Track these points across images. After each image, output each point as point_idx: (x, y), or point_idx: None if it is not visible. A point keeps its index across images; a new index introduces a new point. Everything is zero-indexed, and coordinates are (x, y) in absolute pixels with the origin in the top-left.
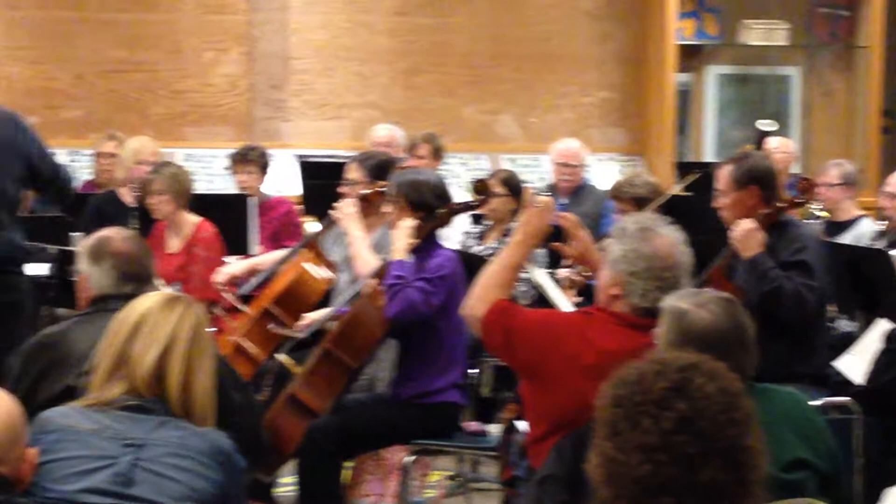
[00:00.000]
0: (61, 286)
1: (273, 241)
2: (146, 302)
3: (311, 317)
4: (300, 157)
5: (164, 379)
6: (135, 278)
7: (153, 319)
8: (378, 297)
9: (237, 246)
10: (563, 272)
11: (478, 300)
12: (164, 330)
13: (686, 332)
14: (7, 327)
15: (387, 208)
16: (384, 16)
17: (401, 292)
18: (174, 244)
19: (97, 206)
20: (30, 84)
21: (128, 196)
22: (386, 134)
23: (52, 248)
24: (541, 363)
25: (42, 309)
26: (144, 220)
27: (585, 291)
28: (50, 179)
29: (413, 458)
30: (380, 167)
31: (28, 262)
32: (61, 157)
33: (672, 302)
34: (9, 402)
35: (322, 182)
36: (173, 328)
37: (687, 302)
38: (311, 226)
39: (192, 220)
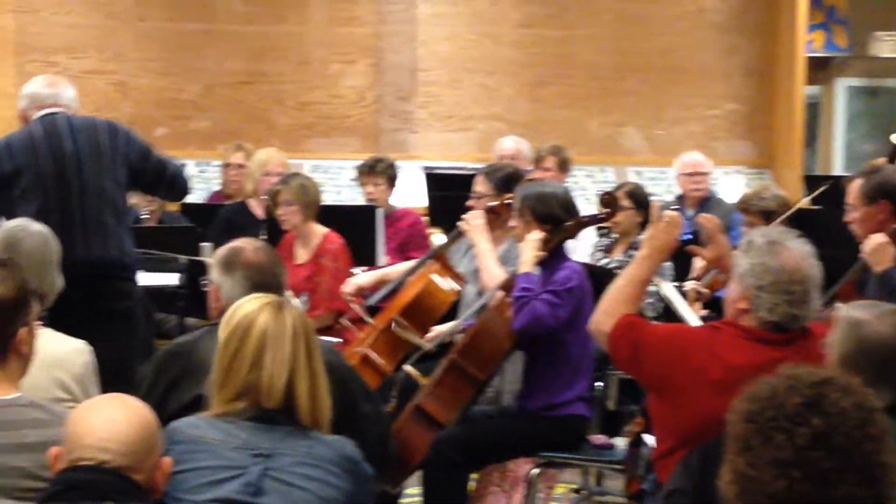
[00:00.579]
0: (191, 296)
1: (400, 253)
2: (258, 316)
3: (438, 329)
4: (426, 168)
5: (294, 390)
6: (266, 288)
7: (244, 329)
8: (505, 310)
9: (364, 257)
10: (689, 285)
11: (605, 315)
12: (284, 346)
13: (861, 343)
14: (119, 335)
15: (514, 221)
16: (510, 28)
17: (528, 305)
18: (302, 255)
19: (227, 217)
20: (159, 95)
21: (257, 207)
22: (512, 146)
23: (183, 258)
24: (668, 378)
25: (172, 318)
26: (273, 231)
27: (713, 304)
28: (155, 180)
29: (538, 470)
30: (507, 180)
31: (138, 269)
32: (190, 167)
33: (849, 312)
34: (144, 410)
35: (448, 194)
36: (292, 342)
37: (865, 313)
38: (438, 237)
39: (319, 230)
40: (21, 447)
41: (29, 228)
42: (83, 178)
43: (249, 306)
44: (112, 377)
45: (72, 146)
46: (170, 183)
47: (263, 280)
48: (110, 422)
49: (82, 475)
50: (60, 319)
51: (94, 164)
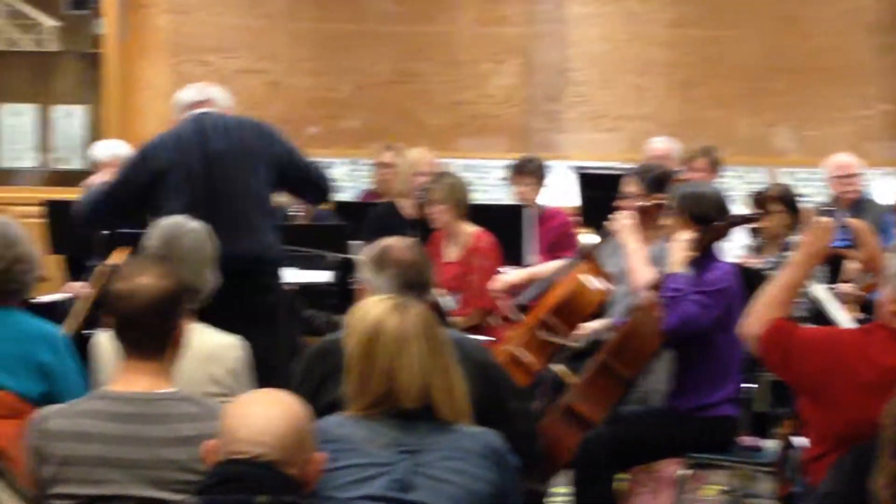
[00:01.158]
0: (342, 293)
1: (549, 252)
2: (384, 321)
3: (588, 327)
4: (577, 168)
5: (430, 389)
6: (414, 287)
7: (374, 329)
8: (654, 310)
9: (513, 256)
10: (843, 287)
11: (756, 319)
12: (413, 350)
13: None
14: (261, 330)
15: (665, 221)
16: (661, 28)
17: (678, 305)
18: (452, 253)
19: (377, 216)
20: (311, 94)
21: (407, 206)
22: (662, 146)
23: (334, 256)
24: (819, 381)
25: (322, 316)
26: (423, 230)
27: (866, 307)
28: (299, 181)
29: (687, 471)
30: (658, 180)
31: (282, 266)
32: (341, 166)
33: None
34: (298, 405)
35: (598, 194)
36: (420, 343)
37: None
38: (587, 237)
39: (469, 229)
40: (176, 440)
41: (187, 225)
42: (229, 177)
43: (373, 312)
44: (256, 369)
45: (219, 144)
46: (314, 185)
47: (411, 278)
48: (265, 416)
49: (237, 468)
50: (208, 315)
51: (240, 162)
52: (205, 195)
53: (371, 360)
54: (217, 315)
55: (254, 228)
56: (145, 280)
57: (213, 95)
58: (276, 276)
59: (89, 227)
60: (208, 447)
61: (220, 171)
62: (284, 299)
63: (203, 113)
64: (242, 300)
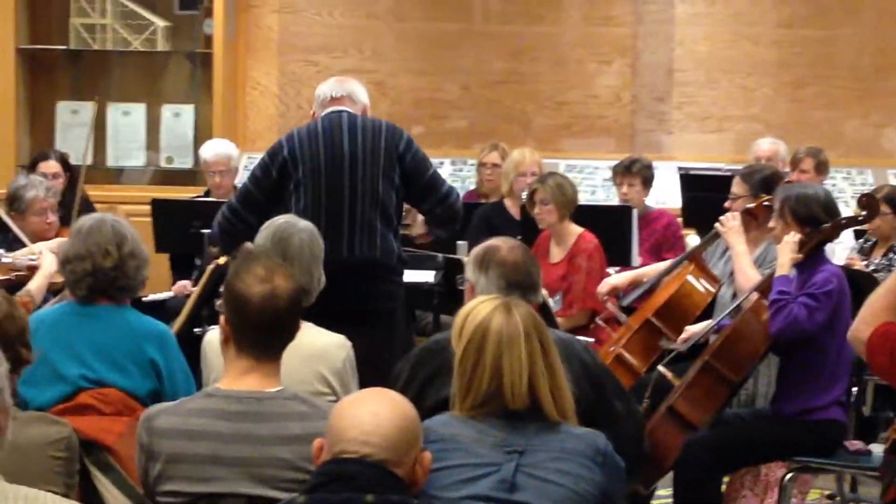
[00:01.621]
0: (447, 293)
1: (654, 254)
2: (490, 321)
3: (692, 329)
4: (682, 169)
5: (536, 389)
6: (519, 288)
7: (481, 330)
8: (761, 312)
9: (618, 257)
10: None
11: (863, 323)
12: (520, 350)
13: None
14: (379, 335)
15: (772, 222)
16: (769, 28)
17: (785, 308)
18: (557, 254)
19: (483, 216)
20: (417, 95)
21: (513, 207)
22: (769, 147)
23: (439, 256)
24: None
25: (428, 315)
26: (528, 230)
27: None
28: (423, 193)
29: (792, 475)
30: (765, 181)
31: (404, 269)
32: (446, 166)
33: None
34: (406, 405)
35: (704, 195)
36: (526, 343)
37: None
38: (692, 238)
39: (575, 230)
40: (285, 439)
41: (297, 225)
42: (355, 179)
43: (480, 312)
44: (371, 374)
45: (349, 146)
46: (438, 201)
47: (517, 279)
48: (373, 416)
49: (345, 467)
50: (322, 315)
51: (368, 165)
52: (329, 196)
53: (478, 360)
54: (334, 318)
55: (377, 234)
56: (279, 282)
57: (352, 90)
58: (395, 283)
59: (227, 248)
60: (317, 445)
61: (347, 172)
62: (399, 302)
63: (337, 112)
64: (360, 305)
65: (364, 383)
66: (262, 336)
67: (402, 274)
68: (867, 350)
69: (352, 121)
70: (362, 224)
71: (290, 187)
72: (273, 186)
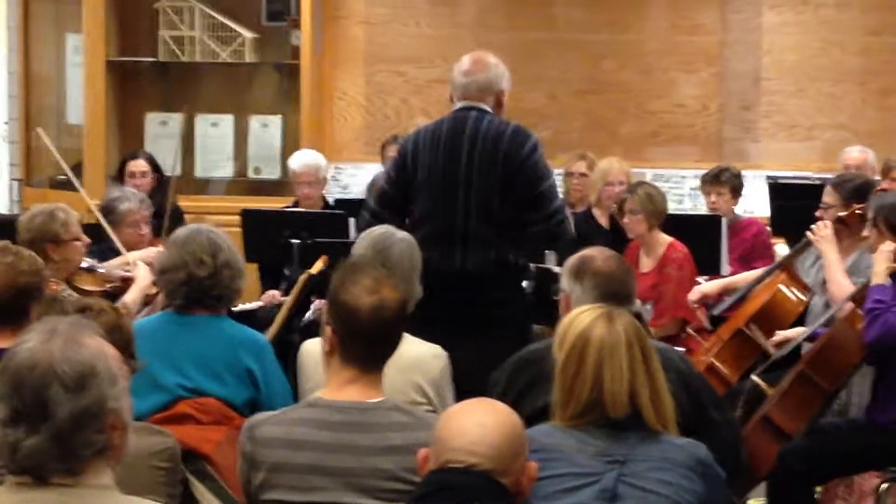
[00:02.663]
0: (538, 303)
1: (743, 263)
2: (592, 330)
3: (785, 334)
4: (770, 178)
5: (637, 398)
6: (615, 298)
7: (582, 340)
8: (855, 321)
9: (708, 266)
10: None
11: None
12: (621, 358)
13: None
14: (494, 343)
15: (866, 231)
16: (857, 35)
17: (881, 316)
18: (647, 263)
19: (574, 224)
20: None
21: (602, 216)
22: (858, 156)
23: (531, 266)
24: None
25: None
26: (617, 240)
27: None
28: (526, 207)
29: (887, 485)
30: (856, 190)
31: (520, 280)
32: None
33: None
34: (512, 415)
35: (792, 203)
36: (627, 351)
37: None
38: (781, 248)
39: (664, 239)
40: (387, 449)
41: (396, 235)
42: (470, 189)
43: (582, 321)
44: (481, 384)
45: (467, 156)
46: (540, 219)
47: (613, 289)
48: (480, 426)
49: (451, 477)
50: (433, 324)
51: (485, 175)
52: (444, 205)
53: (579, 369)
54: (442, 327)
55: (489, 245)
56: (387, 293)
57: (487, 82)
58: (509, 290)
59: None
60: (423, 455)
61: (462, 181)
62: (519, 313)
63: (465, 110)
64: (472, 314)
65: (473, 393)
66: (370, 346)
67: (516, 282)
68: None
69: (475, 125)
70: (476, 238)
71: (412, 192)
72: (402, 184)
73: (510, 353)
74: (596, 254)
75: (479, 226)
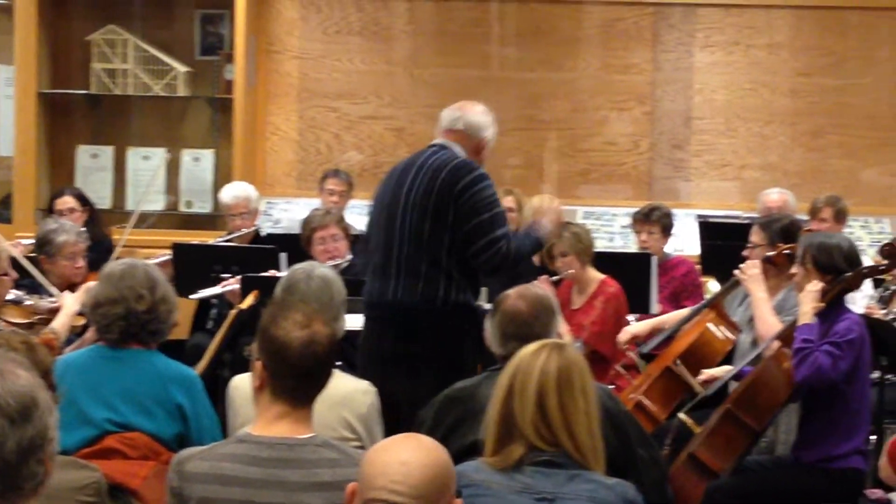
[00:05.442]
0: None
1: (672, 301)
2: (535, 360)
3: (712, 372)
4: (700, 217)
5: (571, 432)
6: (517, 338)
7: (522, 372)
8: (782, 360)
9: (637, 305)
10: None
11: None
12: (532, 380)
13: None
14: (424, 377)
15: (795, 270)
16: (787, 77)
17: (810, 356)
18: (578, 301)
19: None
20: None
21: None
22: (778, 197)
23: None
24: None
25: None
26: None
27: None
28: (467, 240)
29: None
30: (784, 230)
31: (455, 313)
32: None
33: None
34: (439, 450)
35: (722, 243)
36: (539, 376)
37: None
38: (713, 285)
39: (597, 276)
40: (316, 486)
41: (312, 272)
42: (405, 223)
43: (527, 351)
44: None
45: (407, 187)
46: (479, 250)
47: (513, 330)
48: (403, 464)
49: None
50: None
51: (418, 208)
52: (385, 237)
53: (513, 400)
54: (377, 361)
55: (418, 276)
56: (318, 328)
57: (466, 124)
58: (432, 325)
59: None
60: (350, 490)
61: (401, 213)
62: (454, 347)
63: (435, 146)
64: (405, 348)
65: (403, 429)
66: (300, 381)
67: (456, 318)
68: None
69: (427, 158)
70: (408, 270)
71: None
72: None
73: (439, 390)
74: (512, 293)
75: (411, 257)
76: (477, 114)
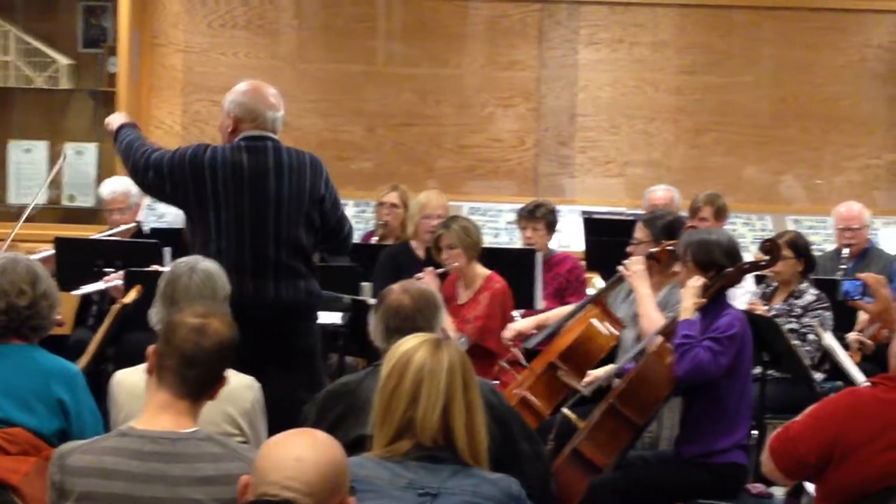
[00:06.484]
0: (352, 335)
1: (557, 297)
2: (416, 352)
3: (596, 373)
4: (585, 213)
5: (451, 430)
6: (399, 331)
7: (402, 366)
8: (664, 355)
9: (522, 300)
10: (852, 336)
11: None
12: (440, 381)
13: None
14: (302, 372)
15: (676, 267)
16: (671, 74)
17: (690, 352)
18: (464, 296)
19: (389, 257)
20: (321, 136)
21: (419, 248)
22: (664, 194)
23: (346, 298)
24: (829, 456)
25: (333, 357)
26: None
27: (876, 356)
28: (333, 231)
29: None
30: (667, 227)
31: (322, 309)
32: (349, 208)
33: None
34: (333, 448)
35: (606, 239)
36: (447, 376)
37: None
38: (598, 281)
39: (483, 272)
40: (198, 480)
41: (195, 266)
42: (280, 223)
43: (408, 344)
44: (294, 414)
45: (275, 190)
46: (343, 239)
47: (396, 324)
48: (297, 460)
49: None
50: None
51: (293, 208)
52: (253, 240)
53: (397, 387)
54: (256, 359)
55: (298, 275)
56: (214, 322)
57: (270, 115)
58: (315, 321)
59: None
60: (243, 482)
61: (272, 216)
62: (320, 343)
63: (263, 140)
64: (285, 345)
65: (285, 424)
66: (182, 367)
67: (318, 312)
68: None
69: (278, 157)
70: (287, 269)
71: (202, 205)
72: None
73: (320, 383)
74: (397, 287)
75: (289, 257)
76: (275, 95)
